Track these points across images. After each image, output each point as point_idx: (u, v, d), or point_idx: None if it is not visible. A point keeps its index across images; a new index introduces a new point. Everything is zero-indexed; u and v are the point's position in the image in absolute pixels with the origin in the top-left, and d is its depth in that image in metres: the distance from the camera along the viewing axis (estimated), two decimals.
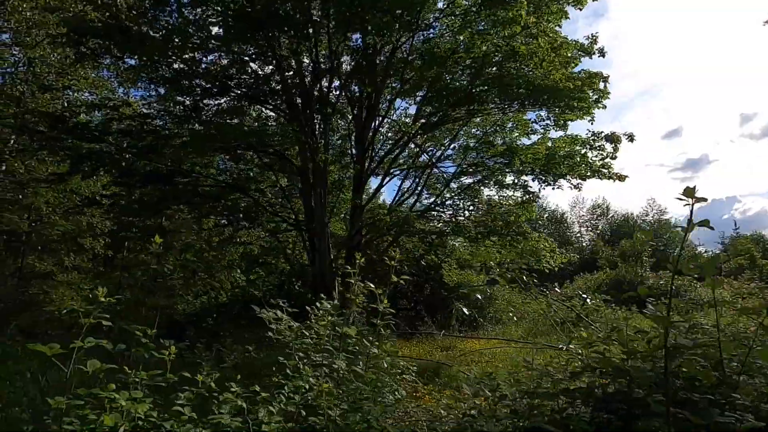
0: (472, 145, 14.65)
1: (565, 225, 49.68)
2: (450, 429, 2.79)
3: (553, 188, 11.36)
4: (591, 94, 10.33)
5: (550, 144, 12.74)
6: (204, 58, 13.53)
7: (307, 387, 3.26)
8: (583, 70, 11.64)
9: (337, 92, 13.46)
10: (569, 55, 10.60)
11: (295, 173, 15.96)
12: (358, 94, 14.12)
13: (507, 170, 11.62)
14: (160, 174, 12.32)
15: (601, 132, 11.11)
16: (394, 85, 13.97)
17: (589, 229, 50.78)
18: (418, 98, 15.26)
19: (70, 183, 15.44)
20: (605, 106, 10.93)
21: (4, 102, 15.00)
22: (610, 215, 51.11)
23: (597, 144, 11.10)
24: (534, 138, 13.73)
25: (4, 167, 15.74)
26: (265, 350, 5.28)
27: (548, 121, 12.47)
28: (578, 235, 50.45)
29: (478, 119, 14.61)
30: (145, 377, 2.65)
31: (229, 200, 13.53)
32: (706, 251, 41.84)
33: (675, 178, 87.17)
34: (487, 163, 12.08)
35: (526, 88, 9.33)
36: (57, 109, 12.80)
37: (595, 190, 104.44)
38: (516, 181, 11.54)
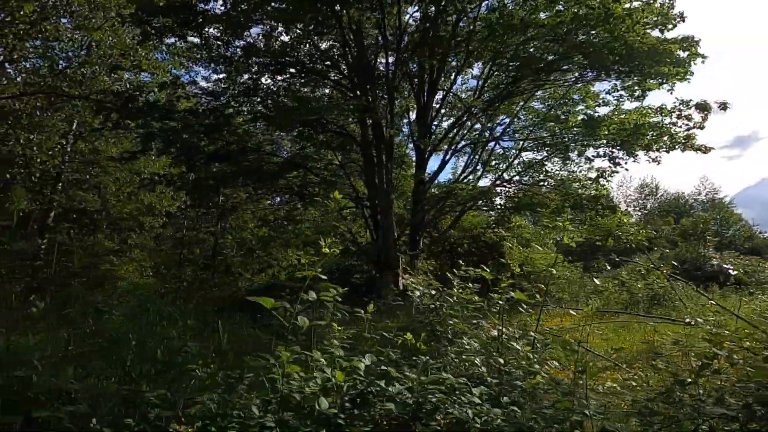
0: (533, 119, 14.13)
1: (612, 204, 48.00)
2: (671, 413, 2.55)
3: (634, 161, 10.79)
4: (685, 57, 9.65)
5: (623, 116, 12.10)
6: (268, 34, 13.41)
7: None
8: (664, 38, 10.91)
9: (400, 67, 13.14)
10: (655, 19, 9.91)
11: (351, 150, 15.85)
12: (418, 69, 13.76)
13: (585, 143, 11.07)
14: (226, 152, 12.38)
15: (690, 101, 10.44)
16: (452, 60, 13.54)
17: (637, 208, 49.01)
18: (480, 71, 14.79)
19: (135, 163, 15.82)
20: (692, 73, 10.24)
21: (68, 84, 15.37)
22: (659, 194, 49.21)
23: (684, 114, 10.42)
24: (605, 110, 13.10)
25: (69, 148, 16.23)
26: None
27: (623, 92, 11.82)
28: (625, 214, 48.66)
29: (539, 93, 14.04)
30: (345, 336, 2.55)
31: (294, 177, 13.50)
32: (760, 232, 39.76)
33: (722, 157, 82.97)
34: (561, 136, 11.56)
35: (620, 53, 8.76)
36: (126, 89, 12.97)
37: (641, 169, 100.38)
38: (599, 153, 11.01)
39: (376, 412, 2.32)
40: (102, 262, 14.84)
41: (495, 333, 3.65)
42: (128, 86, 16.26)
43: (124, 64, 13.90)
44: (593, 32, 9.19)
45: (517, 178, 13.46)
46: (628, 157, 11.09)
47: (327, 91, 16.09)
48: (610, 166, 10.95)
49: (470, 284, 4.60)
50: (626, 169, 11.61)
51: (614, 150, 10.70)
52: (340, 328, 2.93)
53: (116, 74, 16.12)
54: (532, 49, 11.60)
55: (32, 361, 3.11)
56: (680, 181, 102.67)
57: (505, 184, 13.18)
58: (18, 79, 14.43)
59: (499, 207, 13.12)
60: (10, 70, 14.34)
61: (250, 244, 18.54)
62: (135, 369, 3.75)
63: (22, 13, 13.00)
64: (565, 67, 10.73)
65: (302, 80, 15.02)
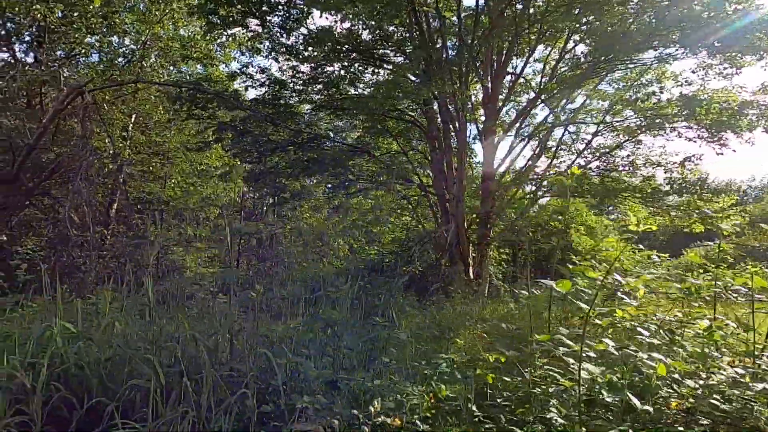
0: (609, 101, 13.51)
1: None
2: None
3: (747, 142, 10.12)
4: None
5: (720, 95, 11.35)
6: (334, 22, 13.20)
7: None
8: None
9: (469, 50, 12.72)
10: None
11: (412, 137, 15.56)
12: (487, 52, 13.31)
13: (683, 124, 10.43)
14: (298, 141, 12.30)
15: None
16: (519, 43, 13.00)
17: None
18: (558, 52, 14.19)
19: (201, 154, 15.97)
20: None
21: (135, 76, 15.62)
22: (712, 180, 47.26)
23: None
24: (686, 90, 12.38)
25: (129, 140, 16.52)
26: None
27: (712, 69, 11.11)
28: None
29: (615, 74, 13.39)
30: None
31: (358, 165, 13.32)
32: None
33: None
34: (651, 117, 10.95)
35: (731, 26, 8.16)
36: (196, 79, 13.02)
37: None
38: (701, 135, 10.34)
39: None
40: (168, 253, 15.07)
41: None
42: (188, 77, 16.41)
43: (190, 54, 13.93)
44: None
45: (596, 163, 12.92)
46: (718, 141, 10.41)
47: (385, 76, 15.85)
48: (714, 148, 10.32)
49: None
50: (734, 150, 10.89)
51: (717, 131, 10.05)
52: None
53: (176, 66, 16.30)
54: (616, 27, 11.02)
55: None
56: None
57: (582, 168, 12.66)
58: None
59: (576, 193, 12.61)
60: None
61: (307, 233, 18.60)
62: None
63: (92, 7, 13.19)
64: (655, 43, 10.11)
65: (362, 66, 14.79)
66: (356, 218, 17.32)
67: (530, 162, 13.80)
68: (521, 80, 13.96)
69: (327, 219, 18.96)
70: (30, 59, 15.30)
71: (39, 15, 12.40)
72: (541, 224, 15.62)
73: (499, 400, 2.85)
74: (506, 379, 2.97)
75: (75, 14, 13.49)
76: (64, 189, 10.32)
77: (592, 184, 12.31)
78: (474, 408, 2.61)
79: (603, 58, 10.61)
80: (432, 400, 2.90)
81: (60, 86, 9.09)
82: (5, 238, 8.33)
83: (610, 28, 10.35)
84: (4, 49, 14.61)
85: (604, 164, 12.85)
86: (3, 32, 14.01)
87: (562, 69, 13.20)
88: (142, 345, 2.86)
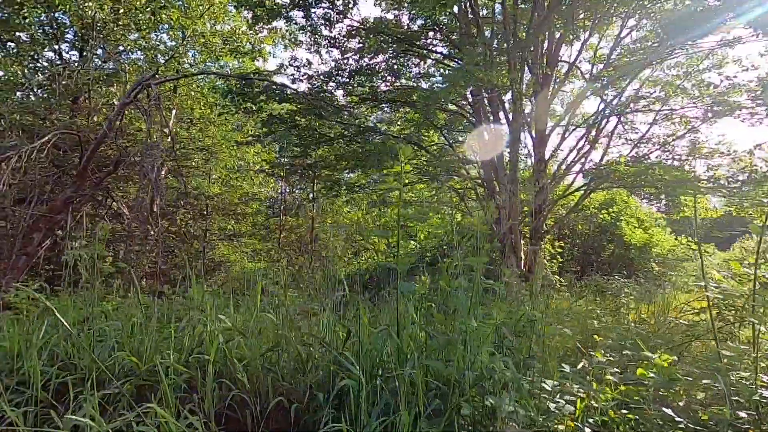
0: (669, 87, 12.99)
1: None
2: None
3: None
4: None
5: None
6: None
7: None
8: None
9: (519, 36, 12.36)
10: None
11: (456, 129, 15.26)
12: (534, 40, 12.92)
13: (746, 110, 9.97)
14: (345, 134, 12.14)
15: None
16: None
17: None
18: (600, 39, 13.79)
19: (240, 150, 15.95)
20: None
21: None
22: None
23: None
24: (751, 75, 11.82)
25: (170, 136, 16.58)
26: None
27: None
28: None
29: (671, 60, 12.85)
30: None
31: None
32: None
33: None
34: (716, 103, 10.47)
35: None
36: (246, 72, 12.95)
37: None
38: None
39: None
40: (214, 248, 15.11)
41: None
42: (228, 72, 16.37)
43: (239, 47, 13.88)
44: None
45: (655, 153, 12.44)
46: None
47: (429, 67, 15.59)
48: None
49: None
50: None
51: None
52: None
53: (217, 61, 16.28)
54: (680, 8, 10.54)
55: None
56: None
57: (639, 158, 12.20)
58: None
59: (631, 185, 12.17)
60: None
61: (347, 228, 18.49)
62: None
63: (139, 3, 13.20)
64: (720, 24, 9.63)
65: (407, 57, 14.56)
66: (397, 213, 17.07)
67: (582, 153, 13.38)
68: (572, 68, 13.54)
69: (367, 213, 18.81)
70: (74, 58, 15.49)
71: (90, 12, 12.46)
72: (588, 217, 15.18)
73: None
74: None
75: (121, 11, 13.54)
76: (125, 183, 10.39)
77: (653, 175, 11.86)
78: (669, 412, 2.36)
79: (662, 42, 10.16)
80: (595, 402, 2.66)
81: (124, 80, 9.10)
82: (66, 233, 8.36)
83: (672, 7, 9.91)
84: (50, 47, 14.80)
85: (664, 153, 12.37)
86: (50, 30, 14.17)
87: (616, 56, 12.74)
88: (313, 341, 2.71)
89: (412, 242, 18.67)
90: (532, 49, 13.02)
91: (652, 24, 10.89)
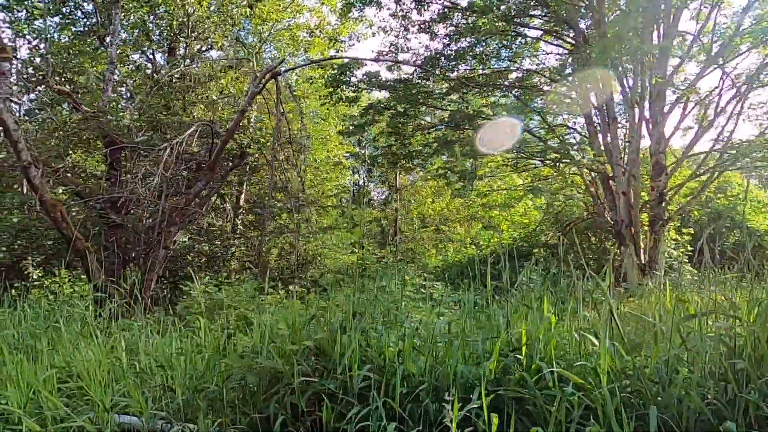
0: None
1: None
2: None
3: None
4: None
5: None
6: None
7: None
8: None
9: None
10: None
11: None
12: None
13: None
14: (451, 121, 11.67)
15: None
16: None
17: None
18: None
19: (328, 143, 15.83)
20: None
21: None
22: None
23: None
24: None
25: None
26: None
27: None
28: None
29: None
30: None
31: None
32: None
33: None
34: None
35: None
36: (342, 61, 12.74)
37: None
38: None
39: None
40: (306, 242, 15.10)
41: None
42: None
43: (336, 35, 13.71)
44: None
45: None
46: None
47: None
48: None
49: None
50: None
51: None
52: None
53: (306, 52, 16.21)
54: None
55: None
56: None
57: None
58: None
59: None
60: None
61: (432, 219, 18.11)
62: None
63: None
64: None
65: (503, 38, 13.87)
66: (487, 201, 16.48)
67: (703, 131, 12.27)
68: (695, 41, 12.41)
69: (449, 204, 18.32)
70: (161, 59, 15.81)
71: (188, 9, 12.60)
72: (704, 202, 13.96)
73: None
74: None
75: (212, 7, 13.66)
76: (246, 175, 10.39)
77: None
78: None
79: None
80: None
81: (254, 69, 9.10)
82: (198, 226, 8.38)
83: None
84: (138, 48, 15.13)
85: None
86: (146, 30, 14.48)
87: (747, 25, 11.52)
88: None
89: (494, 234, 17.99)
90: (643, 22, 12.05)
91: None
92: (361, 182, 19.80)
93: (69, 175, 7.50)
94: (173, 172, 6.78)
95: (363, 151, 19.26)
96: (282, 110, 7.72)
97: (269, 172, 7.74)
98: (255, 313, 4.13)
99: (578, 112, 13.84)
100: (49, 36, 8.91)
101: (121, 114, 7.54)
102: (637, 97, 11.51)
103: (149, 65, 14.64)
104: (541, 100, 14.47)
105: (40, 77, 7.56)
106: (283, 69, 8.05)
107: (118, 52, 8.45)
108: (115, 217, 7.40)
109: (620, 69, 11.22)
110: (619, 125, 12.29)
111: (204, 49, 15.86)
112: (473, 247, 17.21)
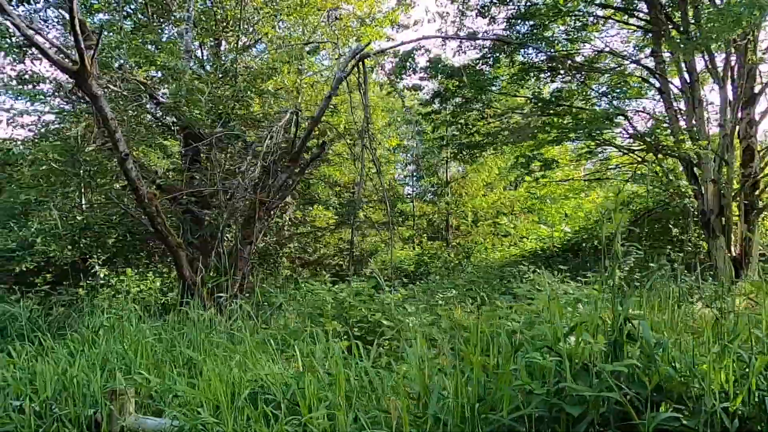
0: None
1: None
2: None
3: None
4: None
5: None
6: None
7: None
8: None
9: None
10: None
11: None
12: None
13: None
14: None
15: None
16: None
17: None
18: None
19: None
20: None
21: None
22: None
23: None
24: None
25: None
26: None
27: None
28: None
29: None
30: None
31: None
32: None
33: None
34: None
35: None
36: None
37: None
38: None
39: None
40: (362, 237, 14.70)
41: None
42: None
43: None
44: None
45: None
46: None
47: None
48: None
49: None
50: None
51: None
52: None
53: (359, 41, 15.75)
54: None
55: None
56: None
57: None
58: None
59: None
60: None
61: (484, 213, 17.50)
62: None
63: None
64: None
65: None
66: (545, 193, 15.81)
67: None
68: None
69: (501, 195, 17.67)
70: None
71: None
72: None
73: None
74: None
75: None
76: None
77: None
78: None
79: None
80: None
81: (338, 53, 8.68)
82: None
83: None
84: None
85: None
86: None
87: None
88: None
89: (543, 227, 17.24)
90: None
91: None
92: (415, 173, 19.30)
93: (157, 170, 7.19)
94: (266, 163, 6.40)
95: (409, 143, 18.78)
96: (368, 98, 7.24)
97: (360, 164, 7.27)
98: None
99: (648, 96, 13.10)
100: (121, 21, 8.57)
101: (198, 105, 7.15)
102: (727, 76, 10.73)
103: (199, 57, 14.37)
104: (606, 84, 13.74)
105: (117, 67, 7.22)
106: (369, 52, 7.55)
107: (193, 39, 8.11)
108: (198, 212, 7.06)
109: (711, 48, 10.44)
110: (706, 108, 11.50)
111: (249, 43, 15.54)
112: (526, 241, 16.53)
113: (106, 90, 5.83)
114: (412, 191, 20.24)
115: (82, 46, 4.73)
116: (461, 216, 17.49)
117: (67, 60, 4.93)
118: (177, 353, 3.38)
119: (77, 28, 4.61)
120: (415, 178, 19.80)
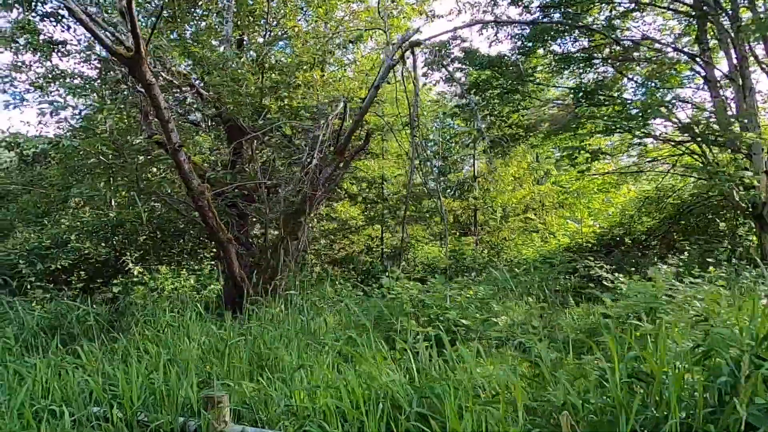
0: None
1: None
2: None
3: None
4: None
5: None
6: None
7: None
8: None
9: None
10: None
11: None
12: None
13: None
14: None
15: None
16: None
17: None
18: None
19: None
20: None
21: None
22: None
23: None
24: None
25: None
26: None
27: None
28: None
29: None
30: None
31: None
32: None
33: None
34: None
35: None
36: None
37: None
38: None
39: None
40: (394, 233, 14.42)
41: None
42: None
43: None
44: None
45: None
46: None
47: None
48: None
49: None
50: None
51: None
52: None
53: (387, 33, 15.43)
54: None
55: None
56: None
57: None
58: None
59: None
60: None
61: (513, 208, 17.09)
62: None
63: None
64: None
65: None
66: (580, 186, 15.37)
67: None
68: None
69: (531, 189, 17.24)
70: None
71: None
72: None
73: None
74: None
75: None
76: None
77: None
78: None
79: None
80: None
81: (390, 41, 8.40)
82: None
83: None
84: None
85: None
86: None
87: None
88: None
89: (571, 223, 16.77)
90: None
91: None
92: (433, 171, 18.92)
93: (206, 163, 6.96)
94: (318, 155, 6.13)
95: (434, 137, 18.44)
96: (419, 88, 6.94)
97: (410, 155, 6.97)
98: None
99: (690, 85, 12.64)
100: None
101: (241, 96, 6.90)
102: None
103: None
104: (645, 74, 13.29)
105: (156, 59, 7.00)
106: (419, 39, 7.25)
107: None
108: (243, 206, 6.83)
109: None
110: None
111: (274, 37, 15.27)
112: (555, 237, 16.09)
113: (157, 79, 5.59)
114: (435, 186, 19.86)
115: (138, 32, 4.51)
116: (489, 212, 17.09)
117: (122, 47, 4.71)
118: (263, 354, 3.12)
119: (134, 12, 4.38)
120: (438, 172, 19.42)
